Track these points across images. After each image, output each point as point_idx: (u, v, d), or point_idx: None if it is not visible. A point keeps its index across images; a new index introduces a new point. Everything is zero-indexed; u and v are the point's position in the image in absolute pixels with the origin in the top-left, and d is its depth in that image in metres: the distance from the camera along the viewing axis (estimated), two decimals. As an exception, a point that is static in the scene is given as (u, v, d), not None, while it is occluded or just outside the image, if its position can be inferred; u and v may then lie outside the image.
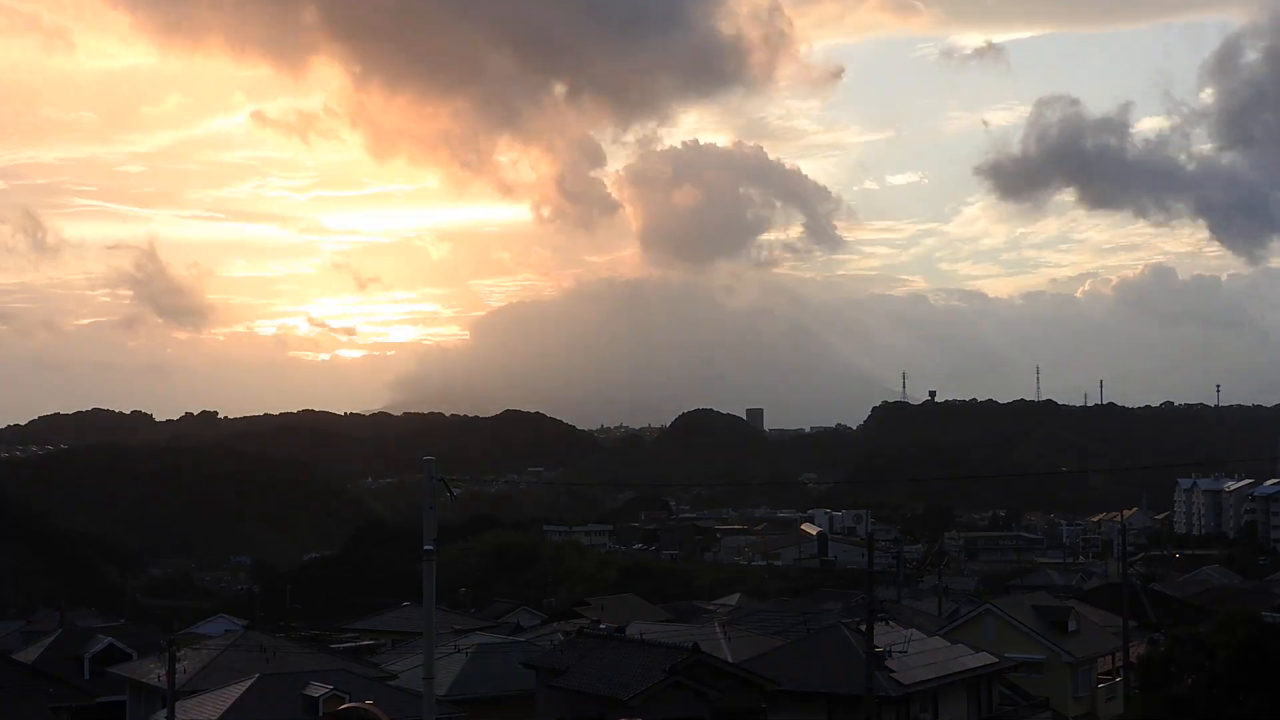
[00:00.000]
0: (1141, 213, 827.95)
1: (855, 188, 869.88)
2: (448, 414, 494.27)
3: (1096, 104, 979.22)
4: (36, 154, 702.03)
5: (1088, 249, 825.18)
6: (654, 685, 43.35)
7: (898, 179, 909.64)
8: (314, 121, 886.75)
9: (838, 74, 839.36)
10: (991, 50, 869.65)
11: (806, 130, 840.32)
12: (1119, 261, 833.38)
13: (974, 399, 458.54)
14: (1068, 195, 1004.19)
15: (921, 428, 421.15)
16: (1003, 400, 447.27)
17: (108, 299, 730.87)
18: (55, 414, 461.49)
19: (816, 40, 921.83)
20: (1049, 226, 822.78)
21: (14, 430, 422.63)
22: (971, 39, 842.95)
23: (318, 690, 46.08)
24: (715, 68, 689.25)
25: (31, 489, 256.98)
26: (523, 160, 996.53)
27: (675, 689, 43.81)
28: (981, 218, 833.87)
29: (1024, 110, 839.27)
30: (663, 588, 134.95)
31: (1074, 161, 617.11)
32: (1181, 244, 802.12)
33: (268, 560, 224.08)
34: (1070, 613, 69.05)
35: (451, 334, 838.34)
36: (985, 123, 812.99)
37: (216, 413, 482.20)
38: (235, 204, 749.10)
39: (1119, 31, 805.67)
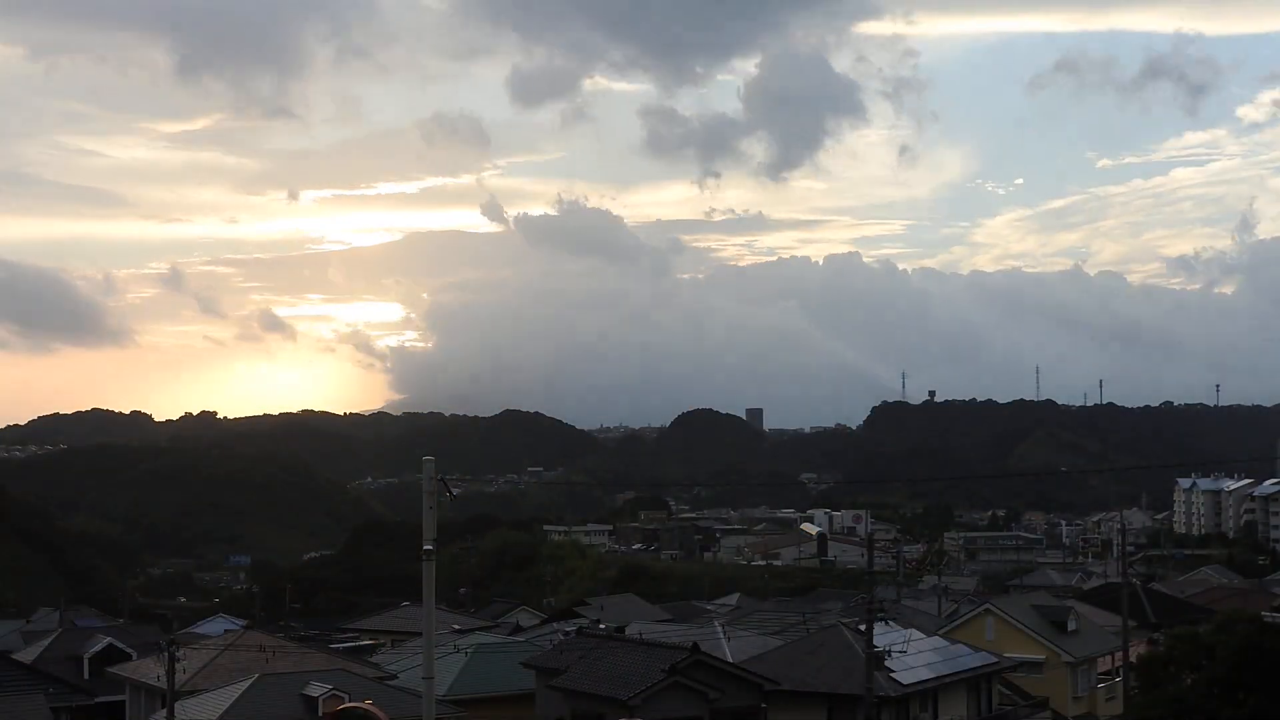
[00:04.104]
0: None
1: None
2: (448, 414, 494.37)
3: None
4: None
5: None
6: (654, 685, 43.37)
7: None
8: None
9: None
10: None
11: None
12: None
13: (974, 399, 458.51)
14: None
15: (921, 427, 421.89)
16: (1003, 400, 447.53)
17: (107, 298, 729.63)
18: (55, 414, 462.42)
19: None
20: (1066, 239, 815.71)
21: (14, 430, 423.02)
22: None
23: (317, 690, 46.07)
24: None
25: (31, 489, 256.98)
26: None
27: (675, 689, 43.84)
28: (998, 224, 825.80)
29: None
30: (663, 588, 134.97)
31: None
32: (1183, 245, 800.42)
33: (268, 560, 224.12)
34: (1070, 613, 69.09)
35: (451, 334, 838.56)
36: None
37: (216, 413, 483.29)
38: (235, 204, 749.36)
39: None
